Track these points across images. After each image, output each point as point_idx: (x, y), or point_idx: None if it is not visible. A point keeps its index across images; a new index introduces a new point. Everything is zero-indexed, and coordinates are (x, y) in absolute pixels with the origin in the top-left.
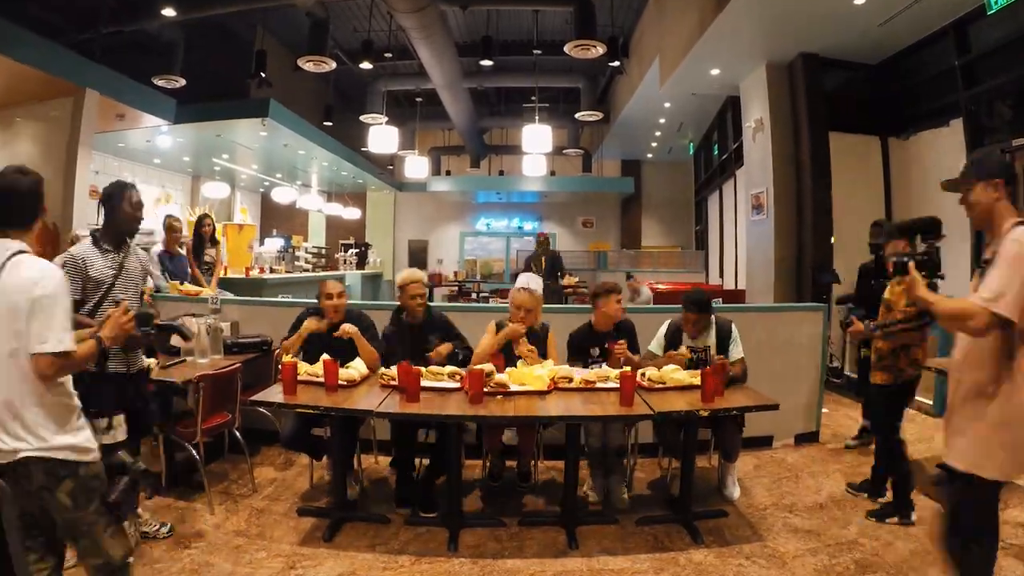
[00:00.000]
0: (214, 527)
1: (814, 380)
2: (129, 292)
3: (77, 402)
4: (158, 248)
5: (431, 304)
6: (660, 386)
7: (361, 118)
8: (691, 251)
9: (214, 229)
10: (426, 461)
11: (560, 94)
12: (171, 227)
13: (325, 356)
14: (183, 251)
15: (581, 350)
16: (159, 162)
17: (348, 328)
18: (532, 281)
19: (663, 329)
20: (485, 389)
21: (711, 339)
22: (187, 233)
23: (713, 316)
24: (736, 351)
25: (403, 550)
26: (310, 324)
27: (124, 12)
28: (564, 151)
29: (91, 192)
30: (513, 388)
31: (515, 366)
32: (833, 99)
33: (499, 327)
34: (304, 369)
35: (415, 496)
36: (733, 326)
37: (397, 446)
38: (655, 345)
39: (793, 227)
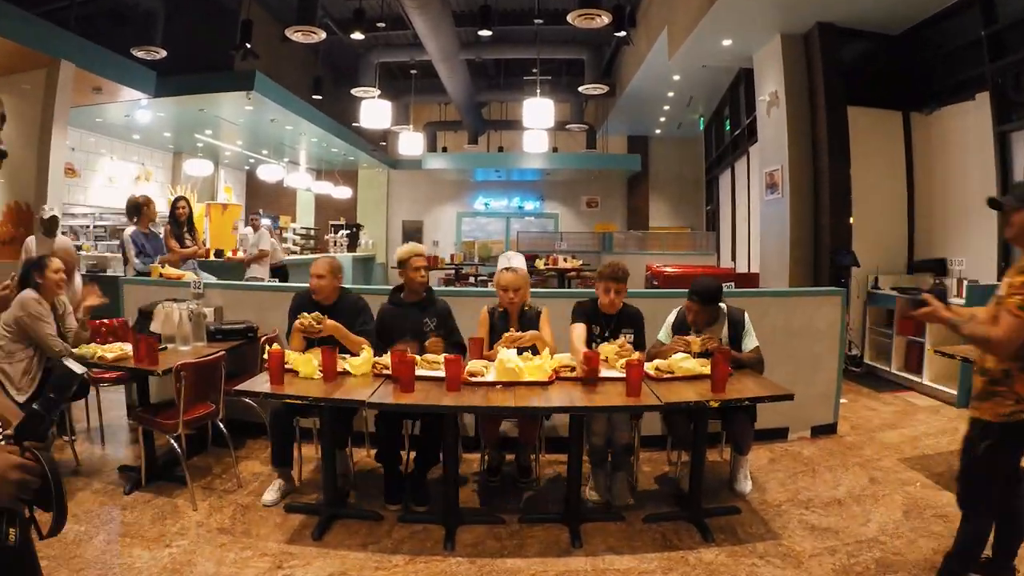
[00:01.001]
0: (197, 524)
1: (832, 369)
2: None
3: None
4: (131, 229)
5: (432, 288)
6: (668, 375)
7: (352, 91)
8: (701, 232)
9: (190, 213)
10: (414, 454)
11: (563, 66)
12: (146, 203)
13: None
14: (159, 231)
15: (582, 317)
16: (138, 138)
17: (325, 324)
18: (515, 259)
19: (671, 317)
20: (474, 380)
21: (723, 331)
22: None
23: (724, 305)
24: (750, 341)
25: (397, 549)
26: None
27: None
28: (567, 126)
29: (67, 170)
30: (489, 378)
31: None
32: (852, 71)
33: (491, 314)
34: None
35: (405, 491)
36: (746, 315)
37: (382, 440)
38: (663, 334)
39: (810, 207)
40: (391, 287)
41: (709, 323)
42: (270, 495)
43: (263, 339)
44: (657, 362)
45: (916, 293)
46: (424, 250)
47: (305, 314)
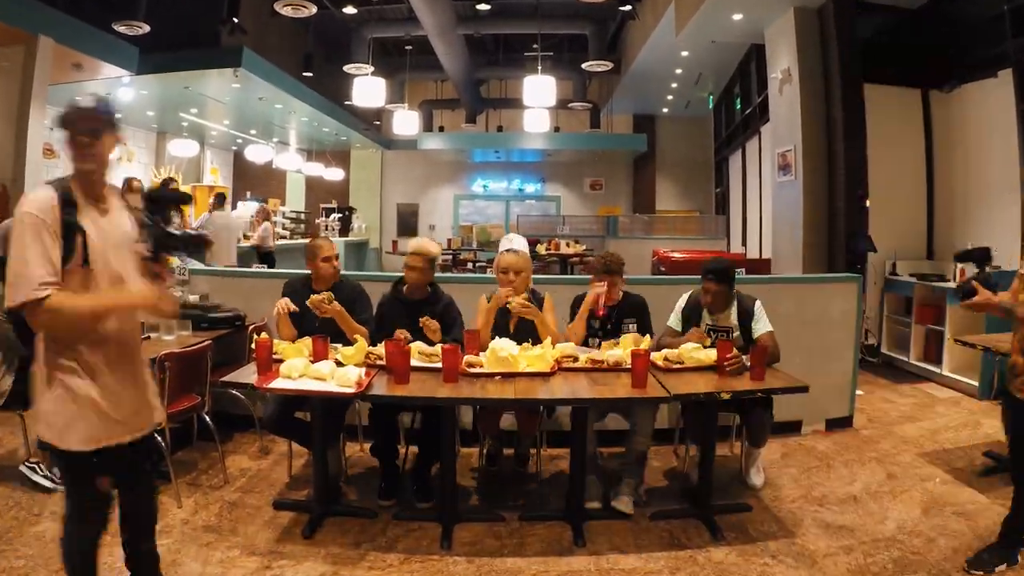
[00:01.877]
0: (182, 522)
1: (848, 359)
2: None
3: None
4: None
5: (438, 283)
6: (678, 366)
7: (345, 68)
8: (711, 216)
9: None
10: (412, 449)
11: (565, 42)
12: (131, 188)
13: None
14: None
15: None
16: (120, 117)
17: (332, 306)
18: (516, 240)
19: (681, 302)
20: (472, 371)
21: (732, 318)
22: None
23: (735, 291)
24: (762, 327)
25: (391, 547)
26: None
27: None
28: (570, 105)
29: (45, 150)
30: (488, 369)
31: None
32: (868, 48)
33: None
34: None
35: (402, 487)
36: (757, 303)
37: (377, 433)
38: (674, 320)
39: (824, 189)
40: (384, 273)
41: (725, 306)
42: None
43: (251, 328)
44: (666, 351)
45: (966, 284)
46: (431, 251)
47: (315, 295)
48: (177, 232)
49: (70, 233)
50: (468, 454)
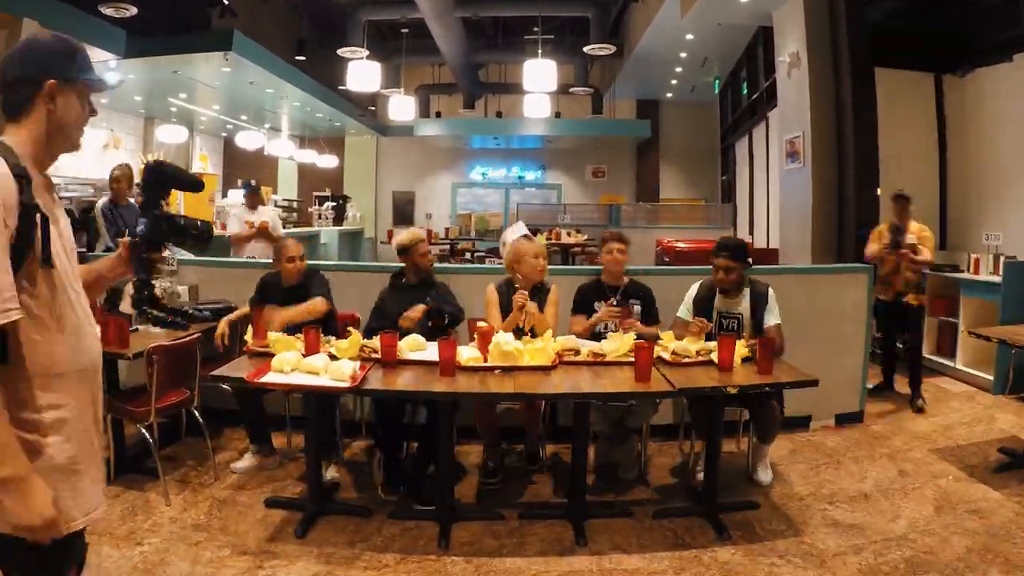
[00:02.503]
0: (170, 520)
1: (858, 353)
2: None
3: None
4: (102, 201)
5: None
6: (686, 360)
7: (339, 52)
8: (716, 205)
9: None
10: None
11: (566, 24)
12: (117, 178)
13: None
14: (133, 201)
15: (586, 305)
16: (107, 102)
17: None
18: (523, 228)
19: (692, 291)
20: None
21: (745, 303)
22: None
23: (748, 278)
24: (772, 318)
25: (387, 547)
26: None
27: None
28: (571, 90)
29: None
30: (488, 363)
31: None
32: (879, 30)
33: (500, 292)
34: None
35: (407, 477)
36: (770, 290)
37: (381, 425)
38: (683, 311)
39: (834, 177)
40: (378, 263)
41: (738, 288)
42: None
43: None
44: (674, 345)
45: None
46: (423, 236)
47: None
48: (183, 220)
49: (28, 219)
50: (468, 452)
